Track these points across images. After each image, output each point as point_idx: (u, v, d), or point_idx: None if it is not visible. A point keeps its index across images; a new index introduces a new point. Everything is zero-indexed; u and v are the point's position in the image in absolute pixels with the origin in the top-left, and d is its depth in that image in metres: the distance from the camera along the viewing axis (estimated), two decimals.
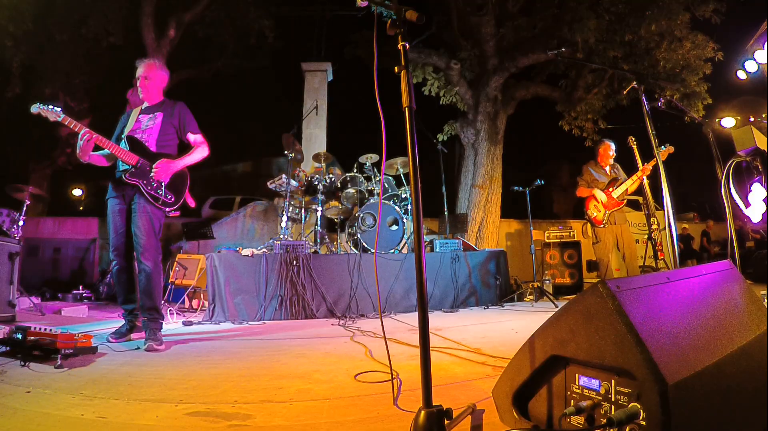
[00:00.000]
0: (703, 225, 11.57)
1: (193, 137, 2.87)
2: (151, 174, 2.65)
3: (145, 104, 2.90)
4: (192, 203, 2.94)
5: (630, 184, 4.44)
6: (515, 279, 5.46)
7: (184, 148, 2.90)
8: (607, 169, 4.74)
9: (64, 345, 1.99)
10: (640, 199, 8.84)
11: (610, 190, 4.53)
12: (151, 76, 2.85)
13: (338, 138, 9.64)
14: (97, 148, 2.61)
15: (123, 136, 2.73)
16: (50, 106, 2.50)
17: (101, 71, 10.00)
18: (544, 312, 3.93)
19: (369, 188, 5.19)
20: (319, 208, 5.19)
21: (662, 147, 3.84)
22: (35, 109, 2.48)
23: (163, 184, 2.70)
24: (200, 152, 2.86)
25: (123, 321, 2.77)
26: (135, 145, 2.70)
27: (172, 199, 2.75)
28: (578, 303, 1.04)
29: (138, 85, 2.86)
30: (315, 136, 8.54)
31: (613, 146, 4.79)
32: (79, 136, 2.49)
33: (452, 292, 4.55)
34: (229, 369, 2.03)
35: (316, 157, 5.71)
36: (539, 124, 12.65)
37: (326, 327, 3.40)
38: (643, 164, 4.22)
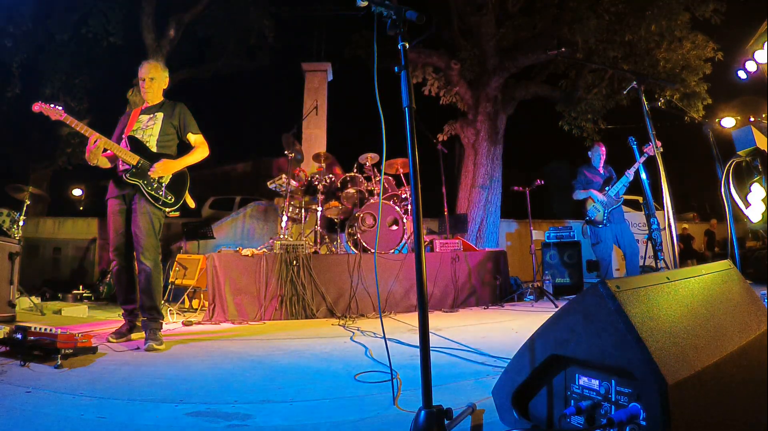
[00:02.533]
0: (706, 224, 11.54)
1: (193, 137, 2.88)
2: (150, 173, 2.65)
3: (146, 105, 2.90)
4: (192, 204, 2.94)
5: (624, 182, 4.48)
6: (515, 279, 5.46)
7: (185, 148, 2.90)
8: (601, 170, 4.78)
9: (64, 345, 1.99)
10: (640, 198, 8.84)
11: (606, 189, 4.57)
12: (155, 77, 2.86)
13: (338, 138, 9.65)
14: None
15: (123, 136, 2.74)
16: (52, 105, 2.51)
17: (101, 71, 10.01)
18: (544, 312, 3.93)
19: (369, 188, 5.19)
20: (319, 208, 5.19)
21: (648, 144, 3.89)
22: (37, 107, 2.49)
23: (163, 184, 2.71)
24: (200, 153, 2.86)
25: (123, 321, 2.77)
26: (136, 145, 2.70)
27: (172, 200, 2.75)
28: (578, 303, 1.04)
29: (141, 86, 2.87)
30: (315, 136, 8.55)
31: (603, 149, 4.86)
32: (90, 141, 2.51)
33: (452, 292, 4.54)
34: (228, 369, 2.03)
35: (316, 157, 5.70)
36: (539, 124, 12.65)
37: (326, 327, 3.40)
38: (636, 161, 4.24)
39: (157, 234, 2.67)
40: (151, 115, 2.83)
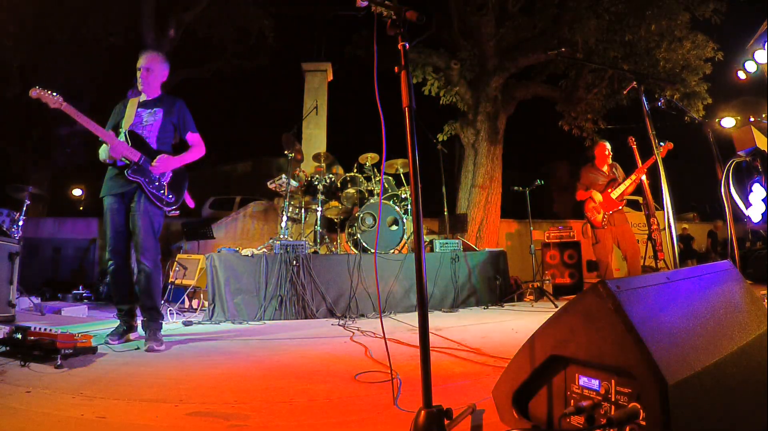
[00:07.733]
0: (707, 225, 11.51)
1: (191, 136, 2.87)
2: (152, 168, 2.63)
3: (143, 97, 2.84)
4: (191, 203, 2.93)
5: (628, 184, 4.44)
6: (515, 279, 5.45)
7: (179, 145, 2.90)
8: (605, 169, 4.73)
9: (64, 345, 1.98)
10: (640, 198, 8.83)
11: (609, 191, 4.53)
12: (153, 69, 2.81)
13: (338, 138, 9.65)
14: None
15: (122, 130, 2.69)
16: (50, 92, 2.49)
17: (101, 71, 10.01)
18: (544, 312, 3.93)
19: (369, 188, 5.19)
20: (319, 208, 5.19)
21: (661, 143, 3.84)
22: (34, 93, 2.47)
23: (165, 183, 2.69)
24: (197, 152, 2.87)
25: (119, 322, 2.75)
26: (136, 141, 2.65)
27: (173, 199, 2.74)
28: (578, 303, 1.04)
29: (139, 76, 2.80)
30: (315, 136, 8.54)
31: (608, 146, 4.79)
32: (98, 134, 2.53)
33: (452, 292, 4.54)
34: (229, 369, 2.03)
35: (316, 157, 5.71)
36: (539, 124, 12.65)
37: (326, 327, 3.39)
38: (642, 163, 4.23)
39: (157, 234, 2.66)
40: (150, 110, 2.77)
